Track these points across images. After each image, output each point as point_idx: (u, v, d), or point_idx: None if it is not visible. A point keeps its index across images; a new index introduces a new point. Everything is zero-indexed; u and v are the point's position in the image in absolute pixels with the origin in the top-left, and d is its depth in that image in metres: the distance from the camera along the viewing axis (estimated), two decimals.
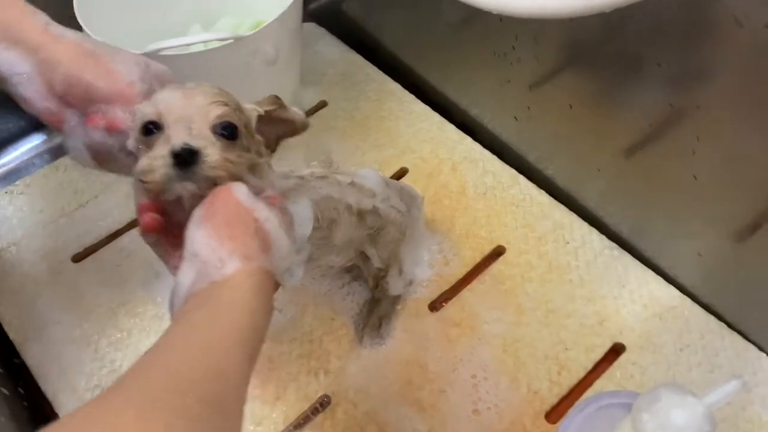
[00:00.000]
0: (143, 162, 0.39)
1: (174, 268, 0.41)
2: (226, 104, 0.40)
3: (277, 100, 0.45)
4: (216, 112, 0.39)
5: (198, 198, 0.40)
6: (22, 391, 0.63)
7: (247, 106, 0.43)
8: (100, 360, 0.64)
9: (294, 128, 0.46)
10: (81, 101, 0.42)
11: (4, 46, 0.41)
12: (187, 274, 0.38)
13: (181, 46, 0.61)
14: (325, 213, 0.52)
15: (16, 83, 0.42)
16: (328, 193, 0.53)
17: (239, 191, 0.41)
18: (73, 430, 0.28)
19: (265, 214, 0.41)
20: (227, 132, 0.40)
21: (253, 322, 0.37)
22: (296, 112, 0.46)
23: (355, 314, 0.66)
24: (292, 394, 0.61)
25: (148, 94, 0.43)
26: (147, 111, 0.39)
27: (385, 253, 0.60)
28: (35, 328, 0.66)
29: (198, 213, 0.40)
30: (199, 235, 0.39)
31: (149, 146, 0.40)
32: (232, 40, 0.62)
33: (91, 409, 0.29)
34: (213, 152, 0.39)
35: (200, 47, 0.65)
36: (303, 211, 0.49)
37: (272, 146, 0.46)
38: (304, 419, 0.60)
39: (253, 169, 0.43)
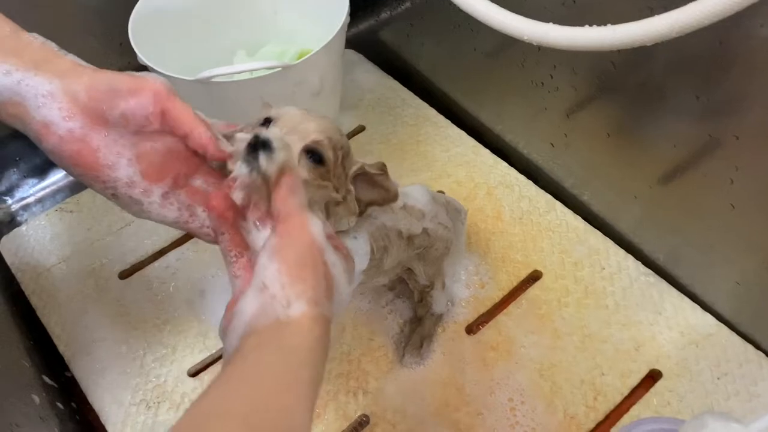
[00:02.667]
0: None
1: (233, 276, 0.42)
2: (329, 137, 0.44)
3: (383, 167, 0.49)
4: (314, 137, 0.44)
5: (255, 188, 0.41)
6: (74, 405, 0.65)
7: (357, 159, 0.48)
8: (146, 375, 0.65)
9: (386, 197, 0.49)
10: (106, 96, 0.42)
11: (34, 73, 0.42)
12: (251, 304, 0.38)
13: (230, 73, 0.64)
14: (378, 243, 0.53)
15: (40, 106, 0.41)
16: (382, 222, 0.54)
17: (314, 226, 0.41)
18: None
19: (332, 258, 0.41)
20: (315, 157, 0.44)
21: (315, 374, 0.37)
22: (394, 183, 0.49)
23: (394, 334, 0.67)
24: (332, 413, 0.62)
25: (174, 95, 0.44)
26: (272, 112, 0.45)
27: (432, 269, 0.62)
28: (83, 342, 0.68)
29: (272, 242, 0.40)
30: (272, 268, 0.38)
31: None
32: (279, 69, 0.64)
33: None
34: (282, 155, 0.40)
35: (247, 75, 0.67)
36: (362, 247, 0.51)
37: (361, 208, 0.49)
38: None
39: (328, 212, 0.46)
